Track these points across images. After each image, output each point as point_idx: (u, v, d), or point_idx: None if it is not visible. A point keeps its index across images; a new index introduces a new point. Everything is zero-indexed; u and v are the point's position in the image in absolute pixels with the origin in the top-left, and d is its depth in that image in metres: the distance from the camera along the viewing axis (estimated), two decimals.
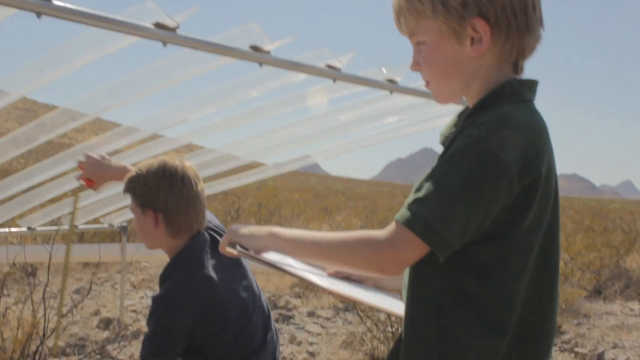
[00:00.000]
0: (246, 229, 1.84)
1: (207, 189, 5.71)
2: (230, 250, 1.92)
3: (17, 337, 4.05)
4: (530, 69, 1.74)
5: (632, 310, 10.49)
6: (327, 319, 8.47)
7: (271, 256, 1.81)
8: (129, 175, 2.66)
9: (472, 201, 1.48)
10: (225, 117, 4.69)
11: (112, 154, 5.64)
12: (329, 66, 3.65)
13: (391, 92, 4.02)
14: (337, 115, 4.94)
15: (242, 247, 1.82)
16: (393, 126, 5.58)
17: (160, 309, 2.47)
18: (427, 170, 1.58)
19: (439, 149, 1.76)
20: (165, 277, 2.60)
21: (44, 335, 4.39)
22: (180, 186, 2.59)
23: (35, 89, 3.71)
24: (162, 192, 2.57)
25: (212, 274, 2.56)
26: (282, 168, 6.68)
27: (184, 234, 2.62)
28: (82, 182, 3.05)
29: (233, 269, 2.68)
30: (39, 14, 2.57)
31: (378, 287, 2.18)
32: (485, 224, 1.51)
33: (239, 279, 2.69)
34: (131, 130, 5.05)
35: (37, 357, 4.18)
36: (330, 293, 1.98)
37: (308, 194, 34.30)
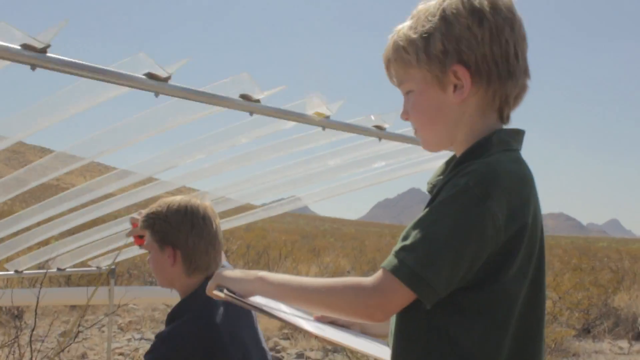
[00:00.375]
0: (233, 273, 1.87)
1: None
2: (218, 294, 1.93)
3: None
4: (518, 109, 1.79)
5: (621, 348, 10.49)
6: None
7: (258, 300, 1.84)
8: (146, 211, 2.67)
9: (459, 250, 1.51)
10: (215, 162, 4.73)
11: (104, 197, 5.69)
12: (319, 114, 3.70)
13: (380, 138, 4.07)
14: (326, 160, 4.98)
15: (229, 290, 1.84)
16: (381, 170, 5.62)
17: (162, 347, 2.46)
18: (415, 218, 1.61)
19: (427, 192, 1.81)
20: (174, 316, 2.60)
21: None
22: (201, 226, 2.60)
23: (28, 136, 3.74)
24: (184, 231, 2.58)
25: (219, 320, 2.55)
26: (272, 211, 6.70)
27: (201, 274, 2.62)
28: (132, 239, 3.01)
29: (240, 316, 2.67)
30: (33, 67, 2.61)
31: (364, 332, 2.20)
32: (472, 272, 1.54)
33: (246, 327, 2.68)
34: (122, 174, 5.08)
35: None
36: (317, 337, 2.01)
37: (296, 235, 34.19)
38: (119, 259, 7.72)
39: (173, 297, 8.06)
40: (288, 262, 18.04)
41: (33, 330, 5.65)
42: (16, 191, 4.83)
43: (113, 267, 7.60)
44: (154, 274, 2.72)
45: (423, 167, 5.43)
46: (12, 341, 6.07)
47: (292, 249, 21.46)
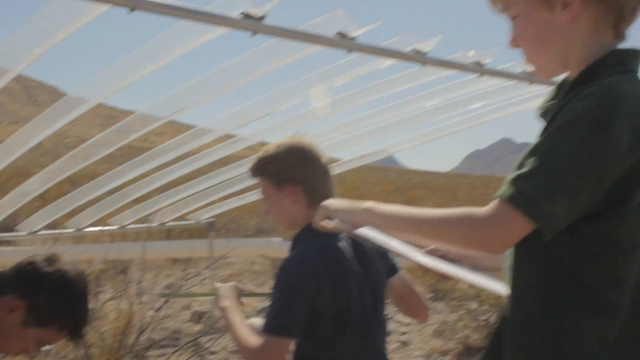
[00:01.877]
0: (341, 204, 1.86)
1: None
2: (326, 224, 1.93)
3: (115, 329, 4.16)
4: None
5: None
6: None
7: (366, 231, 1.81)
8: (254, 162, 2.67)
9: (579, 177, 1.41)
10: (311, 108, 4.68)
11: (188, 154, 5.81)
12: (416, 51, 3.59)
13: (480, 74, 3.93)
14: (423, 102, 4.87)
15: (337, 221, 1.84)
16: (479, 111, 5.48)
17: (290, 267, 2.44)
18: (530, 146, 1.52)
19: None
20: (296, 242, 2.59)
21: (142, 326, 4.50)
22: (313, 158, 2.60)
23: (130, 84, 3.81)
24: (298, 165, 2.58)
25: (346, 248, 2.54)
26: (364, 160, 6.67)
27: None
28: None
29: (361, 253, 2.64)
30: (132, 9, 2.61)
31: (476, 266, 2.13)
32: (593, 201, 1.44)
33: (369, 265, 2.65)
34: (204, 132, 5.18)
35: (134, 349, 4.29)
36: (428, 270, 1.96)
37: (388, 187, 34.04)
38: (217, 211, 7.87)
39: (272, 249, 8.19)
40: None
41: (139, 282, 5.80)
42: (107, 150, 4.96)
43: (212, 220, 7.74)
44: (277, 219, 2.72)
45: (524, 106, 5.26)
46: (121, 293, 6.25)
47: (386, 201, 21.32)
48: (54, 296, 2.30)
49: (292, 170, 2.58)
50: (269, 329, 2.39)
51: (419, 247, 2.01)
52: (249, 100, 4.70)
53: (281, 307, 2.41)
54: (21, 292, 2.29)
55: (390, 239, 1.86)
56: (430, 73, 4.06)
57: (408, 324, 7.65)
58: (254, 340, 2.42)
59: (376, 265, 2.68)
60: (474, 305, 6.71)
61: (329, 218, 1.94)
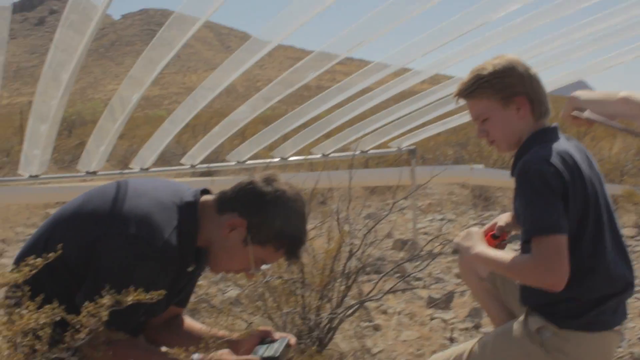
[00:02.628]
0: (594, 94, 1.79)
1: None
2: (579, 115, 1.87)
3: (326, 253, 4.29)
4: None
5: None
6: (631, 237, 7.93)
7: (620, 124, 1.75)
8: (468, 84, 2.62)
9: None
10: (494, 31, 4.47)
11: (364, 91, 5.78)
12: None
13: None
14: (634, 9, 4.48)
15: (589, 112, 1.83)
16: None
17: (533, 167, 2.34)
18: None
19: None
20: (522, 152, 2.53)
21: (350, 252, 4.60)
22: (529, 72, 2.54)
23: (305, 23, 3.91)
24: (525, 77, 2.52)
25: (576, 154, 2.36)
26: (555, 83, 6.38)
27: (543, 119, 2.51)
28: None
29: (589, 162, 2.48)
30: None
31: None
32: None
33: (597, 175, 2.49)
34: (380, 67, 5.14)
35: (344, 272, 4.42)
36: None
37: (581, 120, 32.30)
38: (416, 139, 7.83)
39: (475, 176, 7.99)
40: (586, 139, 17.09)
41: (343, 211, 5.90)
42: (290, 89, 5.08)
43: (414, 147, 7.71)
44: (500, 139, 2.63)
45: None
46: (327, 220, 6.42)
47: (581, 132, 20.23)
48: (273, 215, 2.34)
49: (522, 83, 2.52)
50: (539, 230, 2.30)
51: None
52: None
53: (542, 207, 2.31)
54: (241, 210, 2.35)
55: None
56: None
57: None
58: (527, 256, 2.35)
59: (599, 177, 2.51)
60: None
61: (579, 110, 1.87)
